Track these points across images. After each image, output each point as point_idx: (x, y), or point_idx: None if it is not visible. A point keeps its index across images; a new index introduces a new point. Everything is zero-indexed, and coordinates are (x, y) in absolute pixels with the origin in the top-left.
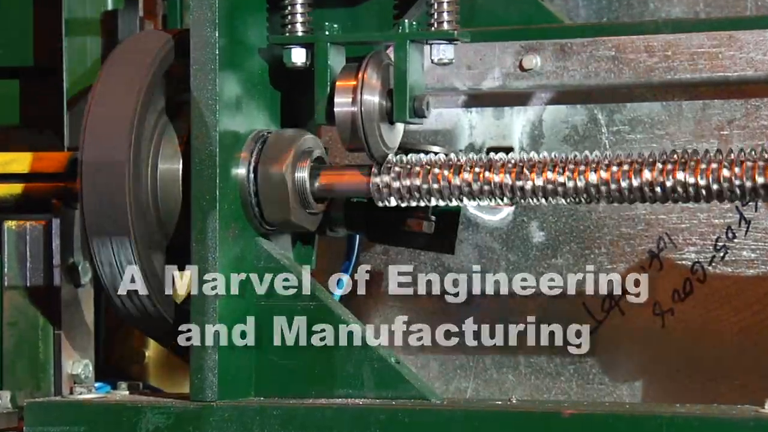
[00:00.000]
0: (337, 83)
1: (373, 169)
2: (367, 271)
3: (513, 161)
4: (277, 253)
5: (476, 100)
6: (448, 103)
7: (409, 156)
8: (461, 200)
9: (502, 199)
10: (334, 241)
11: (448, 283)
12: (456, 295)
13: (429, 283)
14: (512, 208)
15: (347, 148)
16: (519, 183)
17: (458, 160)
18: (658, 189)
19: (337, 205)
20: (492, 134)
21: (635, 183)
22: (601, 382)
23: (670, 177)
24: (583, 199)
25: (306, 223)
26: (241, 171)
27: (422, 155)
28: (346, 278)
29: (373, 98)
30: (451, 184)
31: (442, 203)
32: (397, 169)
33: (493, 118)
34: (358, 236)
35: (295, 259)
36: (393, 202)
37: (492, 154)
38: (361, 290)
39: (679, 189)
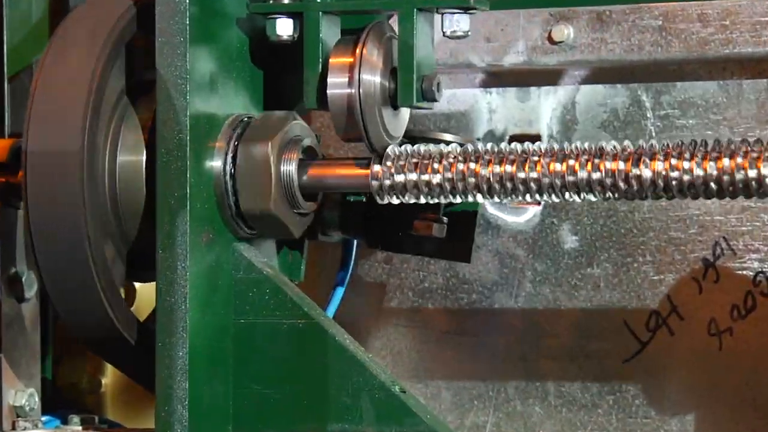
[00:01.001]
0: (331, 60)
1: (373, 162)
2: (366, 283)
3: (541, 152)
4: (260, 262)
5: (497, 78)
6: (463, 83)
7: (417, 146)
8: (479, 198)
9: (527, 197)
10: (328, 247)
11: (462, 297)
12: (473, 311)
13: (440, 297)
14: (539, 208)
15: (343, 138)
16: (547, 179)
17: (475, 151)
18: (724, 181)
19: (330, 205)
20: (515, 120)
21: (696, 174)
22: (646, 416)
23: (749, 169)
24: (626, 196)
25: (294, 226)
26: (216, 163)
27: (432, 145)
28: (341, 291)
29: (373, 78)
30: (466, 179)
31: (456, 201)
32: (401, 161)
33: (516, 100)
34: (355, 241)
35: (281, 269)
36: (397, 201)
37: (515, 144)
38: (360, 305)
39: (754, 184)
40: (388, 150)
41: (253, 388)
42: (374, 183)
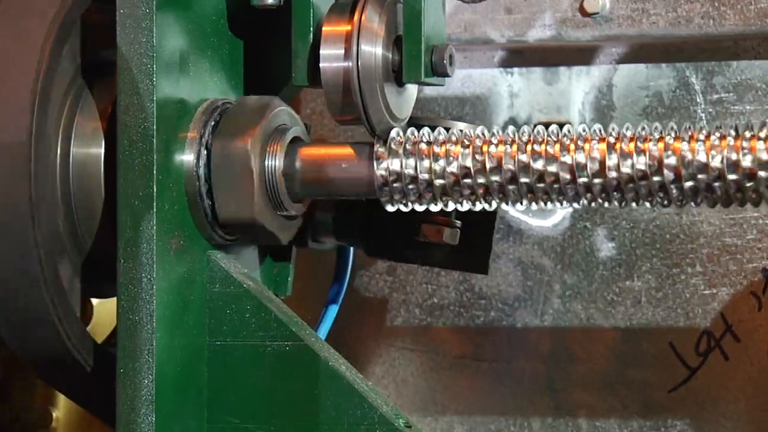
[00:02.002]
0: (324, 29)
1: (375, 151)
2: (365, 299)
3: (575, 140)
4: (239, 273)
5: (519, 57)
6: (479, 62)
7: (424, 132)
8: (498, 200)
9: (556, 202)
10: (320, 256)
11: (479, 315)
12: (491, 331)
13: (453, 314)
14: (569, 209)
15: (338, 120)
16: (583, 179)
17: (495, 139)
18: None
19: (323, 206)
20: (541, 105)
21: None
22: None
23: None
24: (677, 201)
25: (279, 231)
26: (188, 157)
27: (441, 130)
28: (335, 308)
29: (374, 49)
30: (487, 174)
31: (470, 205)
32: (407, 148)
33: (543, 82)
34: (352, 249)
35: (265, 282)
36: (405, 205)
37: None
38: (358, 325)
39: None
40: (392, 133)
41: (231, 423)
42: (377, 179)
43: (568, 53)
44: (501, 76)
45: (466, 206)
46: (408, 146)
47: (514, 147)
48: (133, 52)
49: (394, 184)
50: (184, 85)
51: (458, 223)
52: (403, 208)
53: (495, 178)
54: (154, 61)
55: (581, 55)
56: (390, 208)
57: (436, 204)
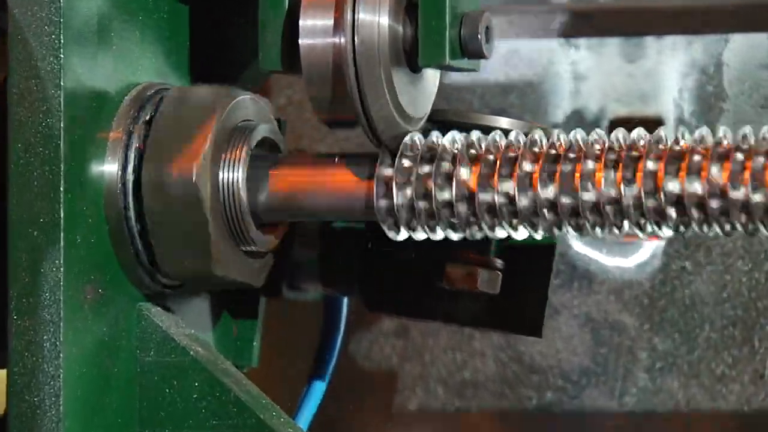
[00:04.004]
0: None
1: (378, 165)
2: (365, 372)
3: (664, 147)
4: (183, 335)
5: (588, 22)
6: (530, 30)
7: (451, 136)
8: (558, 228)
9: (643, 227)
10: (300, 310)
11: (530, 397)
12: (547, 419)
13: (492, 395)
14: (659, 243)
15: (325, 120)
16: (692, 209)
17: (552, 145)
18: None
19: (304, 238)
20: (619, 93)
21: None
22: None
23: None
24: None
25: (241, 274)
26: (110, 168)
27: (477, 134)
28: (322, 385)
29: (377, 19)
30: (537, 194)
31: (518, 235)
32: (424, 166)
33: (621, 59)
34: (345, 300)
35: (221, 348)
36: (419, 231)
37: (621, 133)
38: (355, 410)
39: None
40: (406, 139)
41: None
42: (379, 201)
43: (658, 17)
44: (561, 51)
45: (503, 233)
46: (425, 161)
47: (584, 161)
48: (31, 17)
49: (403, 208)
50: (105, 64)
51: (499, 262)
52: (415, 236)
53: (528, 204)
54: (60, 30)
55: (675, 21)
56: (396, 236)
57: (462, 231)
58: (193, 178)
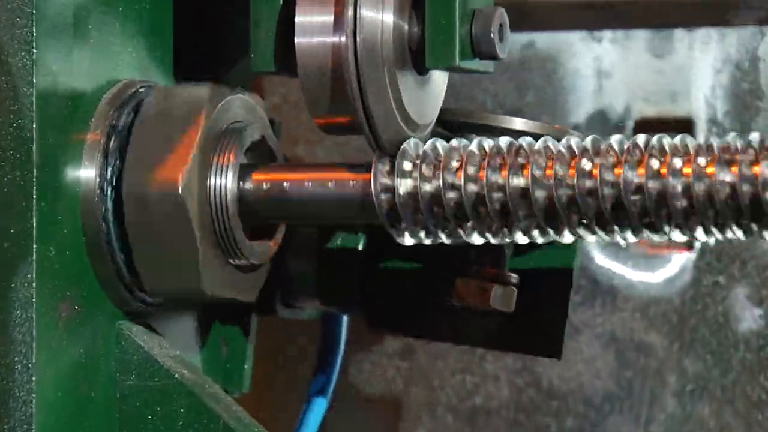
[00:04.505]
0: None
1: (380, 172)
2: (368, 395)
3: (695, 151)
4: (167, 357)
5: (612, 13)
6: (549, 22)
7: (459, 143)
8: (577, 235)
9: (674, 234)
10: (296, 329)
11: (549, 425)
12: None
13: (506, 421)
14: (689, 255)
15: (323, 126)
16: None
17: (572, 150)
18: None
19: (300, 252)
20: (646, 90)
21: None
22: None
23: None
24: None
25: (232, 290)
26: (87, 174)
27: (487, 140)
28: (323, 404)
29: (380, 16)
30: (558, 202)
31: (536, 240)
32: (430, 170)
33: (648, 53)
34: (345, 319)
35: (209, 371)
36: (427, 240)
37: (645, 136)
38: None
39: None
40: (406, 146)
41: None
42: (382, 209)
43: (688, 7)
44: (583, 44)
45: (520, 237)
46: (431, 167)
47: (579, 170)
48: (1, 8)
49: (408, 218)
50: (82, 60)
51: (514, 277)
52: (423, 239)
53: (545, 212)
54: (33, 22)
55: (708, 11)
56: (403, 240)
57: (472, 233)
58: (179, 190)
